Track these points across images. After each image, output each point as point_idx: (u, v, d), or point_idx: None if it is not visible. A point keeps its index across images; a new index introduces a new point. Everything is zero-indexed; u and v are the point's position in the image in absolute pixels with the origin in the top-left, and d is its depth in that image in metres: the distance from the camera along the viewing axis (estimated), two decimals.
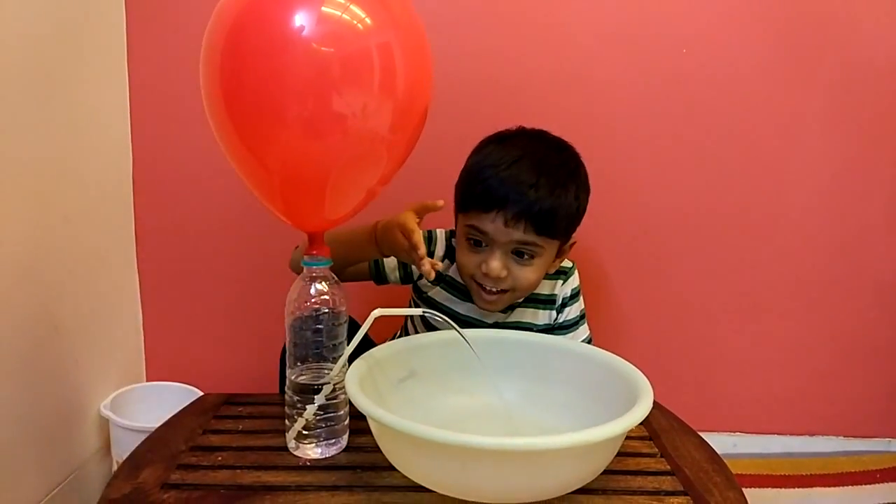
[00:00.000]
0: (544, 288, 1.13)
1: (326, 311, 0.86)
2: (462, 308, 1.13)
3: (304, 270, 0.87)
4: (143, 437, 1.16)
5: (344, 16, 0.74)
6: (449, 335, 0.96)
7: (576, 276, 1.16)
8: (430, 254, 1.11)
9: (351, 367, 0.87)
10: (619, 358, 0.92)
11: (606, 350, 0.94)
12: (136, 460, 0.87)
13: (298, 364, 0.88)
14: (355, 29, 0.74)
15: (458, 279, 1.11)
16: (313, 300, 0.86)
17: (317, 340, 0.87)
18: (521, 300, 1.11)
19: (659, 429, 0.96)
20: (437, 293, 1.14)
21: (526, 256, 1.03)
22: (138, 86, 1.40)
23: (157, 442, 0.92)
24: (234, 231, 1.45)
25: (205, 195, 1.45)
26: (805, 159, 1.40)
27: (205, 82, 0.79)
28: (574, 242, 1.11)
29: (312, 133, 0.75)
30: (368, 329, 0.84)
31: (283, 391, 1.18)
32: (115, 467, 1.32)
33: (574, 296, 1.15)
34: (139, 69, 1.40)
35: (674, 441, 0.94)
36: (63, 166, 1.20)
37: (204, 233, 1.46)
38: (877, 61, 1.37)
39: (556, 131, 1.36)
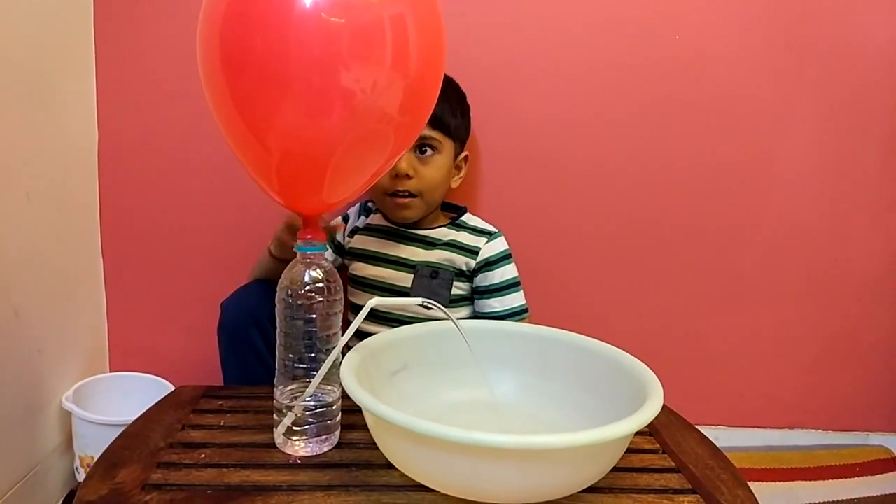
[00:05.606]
0: (468, 240, 1.22)
1: (321, 299, 0.82)
2: (377, 245, 1.23)
3: (298, 256, 0.82)
4: (107, 430, 1.10)
5: None
6: (444, 326, 0.92)
7: (502, 240, 1.24)
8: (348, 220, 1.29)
9: (345, 358, 0.82)
10: (620, 350, 0.89)
11: None
12: (112, 458, 0.81)
13: (290, 356, 0.83)
14: None
15: (373, 223, 1.25)
16: (307, 288, 0.81)
17: (309, 331, 0.82)
18: (434, 213, 1.23)
19: (658, 424, 0.94)
20: (358, 241, 1.25)
21: (427, 152, 1.15)
22: (105, 64, 1.33)
23: (133, 438, 0.86)
24: (202, 216, 1.39)
25: (173, 176, 1.38)
26: (793, 153, 1.39)
27: (202, 53, 0.72)
28: (467, 155, 1.24)
29: (317, 110, 0.69)
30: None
31: (228, 374, 1.16)
32: (77, 462, 1.24)
33: (503, 259, 1.22)
34: (106, 47, 1.32)
35: (675, 437, 0.92)
36: (27, 143, 1.13)
37: (171, 217, 1.39)
38: (867, 55, 1.36)
39: (545, 119, 1.35)
